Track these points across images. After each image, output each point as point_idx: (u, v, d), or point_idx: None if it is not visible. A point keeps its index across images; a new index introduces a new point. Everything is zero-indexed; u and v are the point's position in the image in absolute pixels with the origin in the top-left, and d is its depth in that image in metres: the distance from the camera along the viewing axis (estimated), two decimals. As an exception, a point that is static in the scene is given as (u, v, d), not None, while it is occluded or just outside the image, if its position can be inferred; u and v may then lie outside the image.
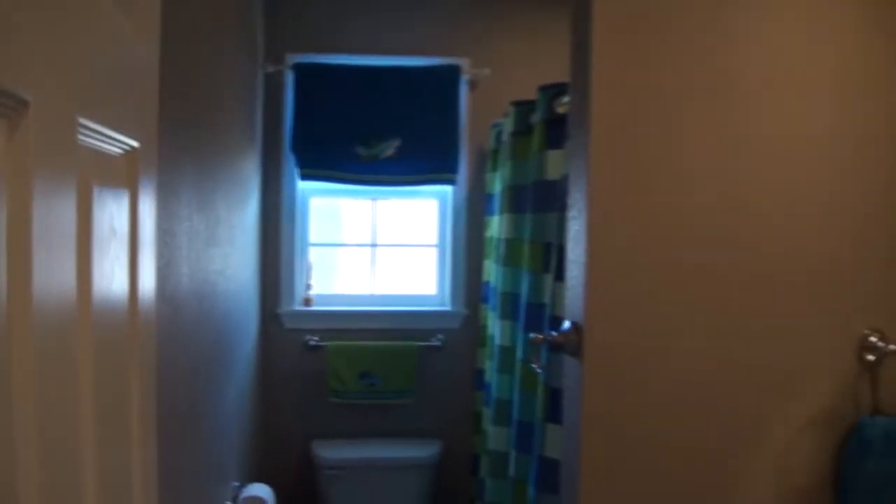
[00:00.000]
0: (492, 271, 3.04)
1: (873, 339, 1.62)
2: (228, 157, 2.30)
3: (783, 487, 1.61)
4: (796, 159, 1.60)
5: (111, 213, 0.82)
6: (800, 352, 1.62)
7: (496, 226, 3.00)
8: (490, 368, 2.93)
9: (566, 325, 1.65)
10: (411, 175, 3.27)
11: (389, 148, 3.25)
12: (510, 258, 2.69)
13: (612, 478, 1.59)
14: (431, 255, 3.48)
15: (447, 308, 3.39)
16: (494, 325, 2.86)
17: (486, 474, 2.84)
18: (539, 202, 2.40)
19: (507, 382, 2.68)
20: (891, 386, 1.62)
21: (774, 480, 1.61)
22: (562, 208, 2.03)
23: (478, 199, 3.34)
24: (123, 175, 0.89)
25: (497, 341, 2.77)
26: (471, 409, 3.31)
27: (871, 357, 1.62)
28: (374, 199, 3.45)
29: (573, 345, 1.63)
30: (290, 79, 3.24)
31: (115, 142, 0.84)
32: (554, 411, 2.07)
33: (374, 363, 3.26)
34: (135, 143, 0.90)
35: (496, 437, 2.74)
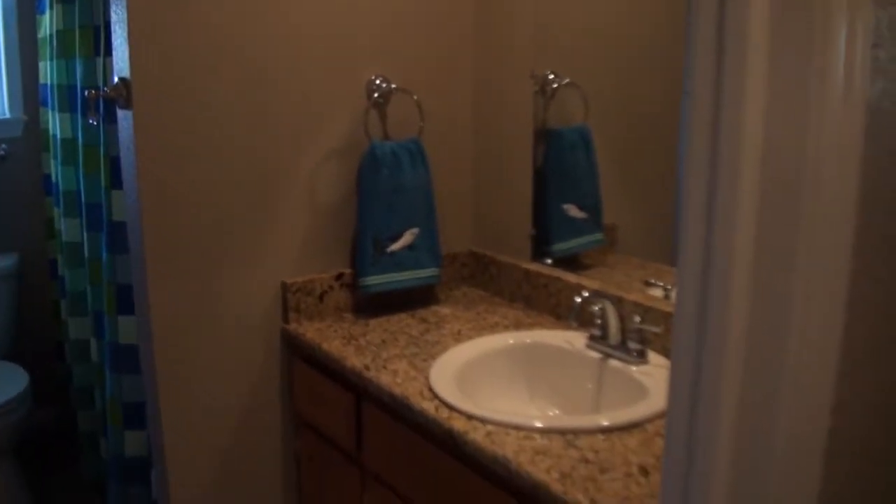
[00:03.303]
0: (48, 70, 3.01)
1: (378, 81, 2.00)
2: None
3: (316, 204, 1.97)
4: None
5: None
6: (320, 98, 1.94)
7: (47, 22, 2.95)
8: (55, 167, 2.96)
9: (115, 79, 1.81)
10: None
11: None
12: (64, 50, 2.70)
13: (166, 213, 1.80)
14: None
15: (7, 116, 3.29)
16: (55, 123, 2.87)
17: (64, 268, 2.92)
18: (86, -14, 2.44)
19: (72, 174, 2.75)
20: (395, 116, 2.03)
21: (308, 200, 1.96)
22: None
23: (26, -1, 3.22)
24: None
25: (59, 136, 2.81)
26: (44, 216, 3.31)
27: (377, 95, 2.00)
28: None
29: (123, 98, 1.80)
30: None
31: None
32: (116, 179, 2.22)
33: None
34: None
35: (69, 229, 2.82)
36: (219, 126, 1.83)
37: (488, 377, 1.72)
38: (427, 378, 1.61)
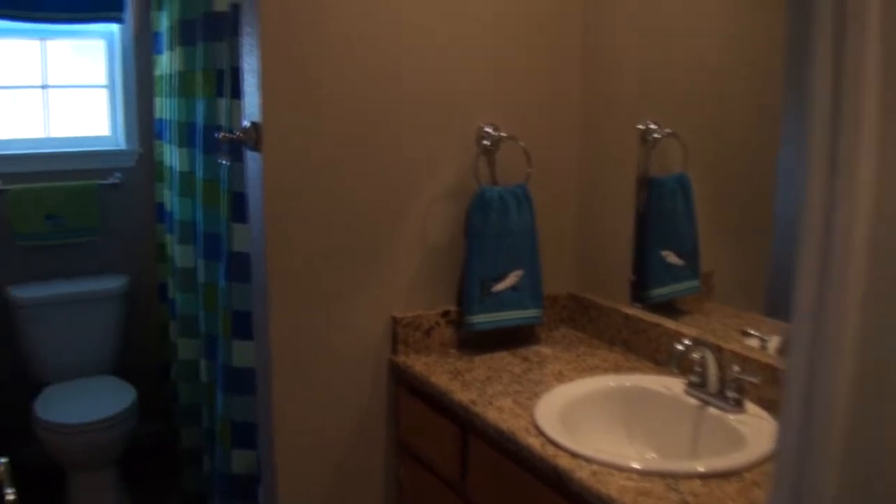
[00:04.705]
0: (165, 107, 3.21)
1: (488, 129, 2.11)
2: None
3: (426, 244, 2.09)
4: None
5: None
6: (434, 146, 2.06)
7: (166, 63, 3.15)
8: (171, 197, 3.15)
9: (245, 123, 1.95)
10: (75, 12, 3.28)
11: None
12: (184, 90, 2.88)
13: (288, 248, 1.93)
14: (102, 96, 3.54)
15: (122, 147, 3.51)
16: (172, 156, 3.06)
17: (175, 292, 3.10)
18: (210, 33, 2.61)
19: (190, 205, 2.93)
20: (503, 162, 2.14)
21: (419, 240, 2.08)
22: (233, 34, 2.28)
23: (145, 38, 3.43)
24: None
25: (177, 169, 2.99)
26: (154, 242, 3.51)
27: (487, 143, 2.11)
28: (42, 40, 3.42)
29: (253, 140, 1.94)
30: None
31: None
32: (238, 213, 2.37)
33: (58, 204, 3.34)
34: None
35: (182, 255, 3.00)
36: (339, 170, 1.96)
37: (589, 418, 1.79)
38: (532, 415, 1.69)
